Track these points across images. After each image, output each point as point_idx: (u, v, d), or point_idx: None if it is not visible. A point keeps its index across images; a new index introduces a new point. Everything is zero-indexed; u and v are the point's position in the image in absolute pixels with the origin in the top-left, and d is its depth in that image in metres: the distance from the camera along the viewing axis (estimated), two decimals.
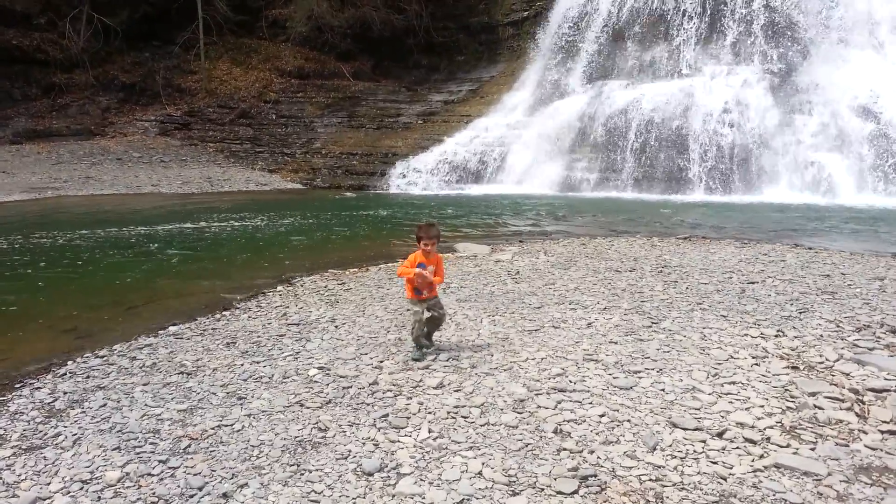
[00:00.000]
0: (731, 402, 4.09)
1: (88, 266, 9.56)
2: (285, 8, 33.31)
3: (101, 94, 30.53)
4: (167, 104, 31.14)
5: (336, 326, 5.98)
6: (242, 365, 4.93)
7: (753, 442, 3.57)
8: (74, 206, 18.07)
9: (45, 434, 3.81)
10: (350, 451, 3.52)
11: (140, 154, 27.52)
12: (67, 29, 28.61)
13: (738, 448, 3.51)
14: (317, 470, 3.33)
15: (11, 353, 5.52)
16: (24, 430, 3.86)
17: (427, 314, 5.01)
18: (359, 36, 33.53)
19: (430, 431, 3.73)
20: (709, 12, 24.70)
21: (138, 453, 3.53)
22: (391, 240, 12.26)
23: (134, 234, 12.69)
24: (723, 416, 3.89)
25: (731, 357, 4.94)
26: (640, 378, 4.52)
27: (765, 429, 3.72)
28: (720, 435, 3.65)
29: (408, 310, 5.23)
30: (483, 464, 3.35)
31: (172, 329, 6.05)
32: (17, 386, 4.64)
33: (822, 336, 5.41)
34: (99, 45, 29.99)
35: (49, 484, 3.24)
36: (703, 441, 3.59)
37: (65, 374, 4.87)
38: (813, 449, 3.49)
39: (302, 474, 3.29)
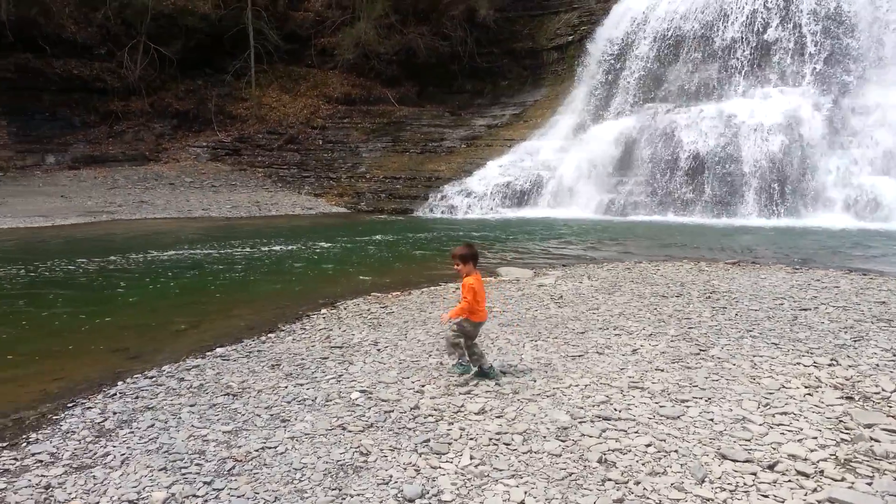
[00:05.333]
0: (782, 434, 3.96)
1: (139, 288, 9.83)
2: (333, 36, 34.16)
3: (156, 120, 31.67)
4: (218, 130, 32.07)
5: (378, 350, 6.00)
6: (286, 387, 4.98)
7: (806, 475, 3.44)
8: (127, 229, 18.66)
9: (95, 453, 3.90)
10: (391, 476, 3.51)
11: (192, 179, 28.33)
12: (125, 58, 29.86)
13: (790, 481, 3.39)
14: (358, 495, 3.32)
15: (65, 372, 5.69)
16: (76, 449, 3.96)
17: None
18: (404, 62, 34.14)
19: (471, 458, 3.69)
20: (758, 35, 24.36)
21: (184, 474, 3.58)
22: (433, 263, 12.29)
23: (183, 256, 13.03)
24: (774, 448, 3.76)
25: (783, 386, 4.78)
26: (687, 407, 4.40)
27: (818, 461, 3.58)
28: (771, 467, 3.53)
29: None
30: (526, 493, 3.30)
31: (219, 351, 6.16)
32: (70, 405, 4.77)
33: (877, 365, 5.20)
34: (154, 73, 31.18)
35: (98, 503, 3.31)
36: (754, 473, 3.48)
37: (115, 394, 4.98)
38: (869, 483, 3.34)
39: (344, 499, 3.29)
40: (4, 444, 4.09)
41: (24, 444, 4.08)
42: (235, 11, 32.60)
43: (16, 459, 3.85)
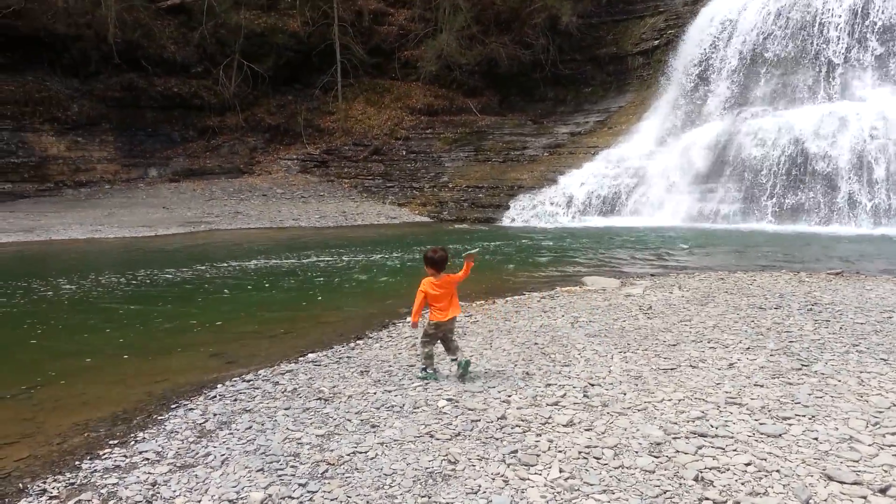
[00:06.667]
0: (894, 455, 3.70)
1: (238, 295, 10.27)
2: (417, 49, 34.72)
3: (249, 135, 33.12)
4: (307, 143, 33.20)
5: None
6: (375, 393, 5.07)
7: None
8: (224, 238, 19.53)
9: (197, 453, 4.08)
10: (480, 486, 3.50)
11: (283, 190, 29.41)
12: (221, 76, 31.42)
13: None
14: (447, 503, 3.34)
15: (170, 374, 6.02)
16: (179, 449, 4.17)
17: None
18: (486, 72, 34.30)
19: (560, 471, 3.64)
20: (857, 32, 23.02)
21: (280, 476, 3.69)
22: (516, 272, 12.22)
23: (276, 265, 13.50)
24: (886, 471, 3.53)
25: (894, 405, 4.48)
26: (790, 425, 4.19)
27: None
28: (883, 491, 3.31)
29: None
30: None
31: (311, 356, 6.35)
32: (173, 406, 5.03)
33: None
34: (248, 89, 32.63)
35: (200, 501, 3.46)
36: (864, 497, 3.27)
37: (215, 396, 5.21)
38: None
39: None
40: (115, 442, 4.35)
41: (133, 442, 4.34)
42: (323, 28, 33.68)
43: (125, 457, 4.09)
